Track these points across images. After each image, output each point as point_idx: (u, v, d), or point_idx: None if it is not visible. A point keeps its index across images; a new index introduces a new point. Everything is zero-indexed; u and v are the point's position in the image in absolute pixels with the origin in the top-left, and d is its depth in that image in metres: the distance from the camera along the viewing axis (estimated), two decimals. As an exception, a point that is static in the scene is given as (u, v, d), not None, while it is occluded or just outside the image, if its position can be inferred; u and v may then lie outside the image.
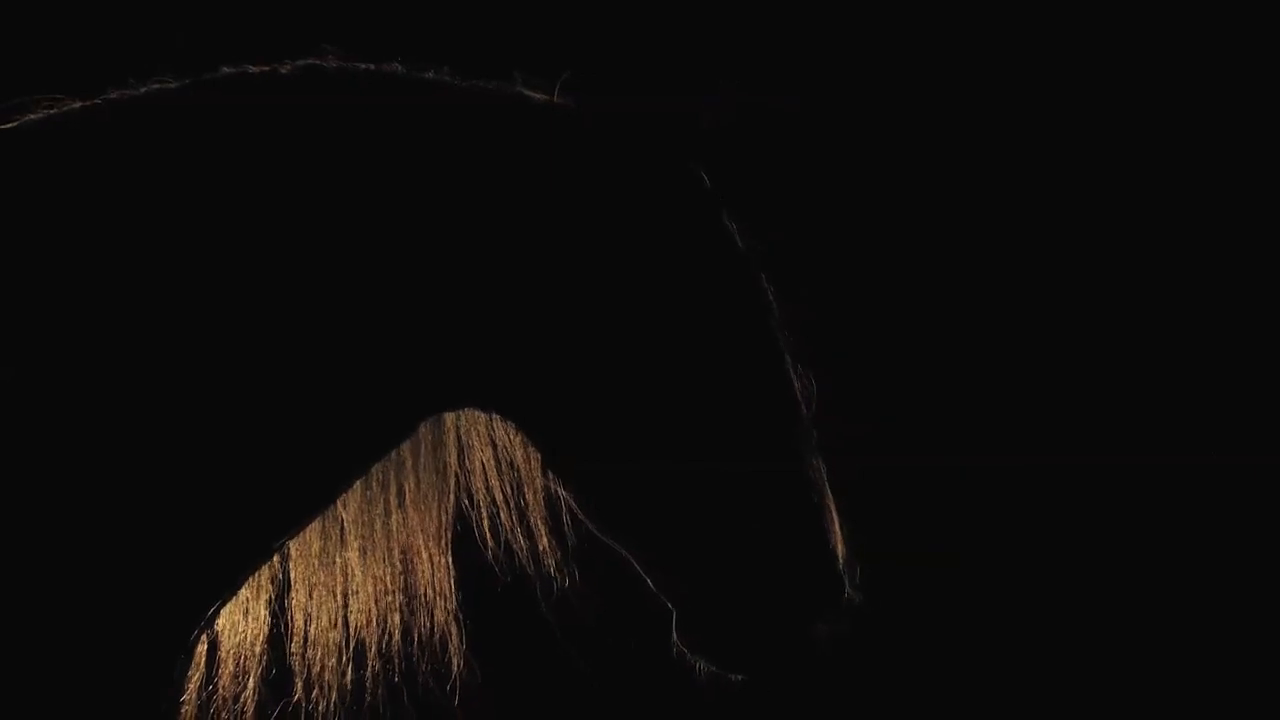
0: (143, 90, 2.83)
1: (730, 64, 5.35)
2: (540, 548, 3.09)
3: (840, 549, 2.94)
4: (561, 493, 3.03)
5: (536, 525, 3.08)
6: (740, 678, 2.96)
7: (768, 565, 2.87)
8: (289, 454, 2.77)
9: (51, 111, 2.81)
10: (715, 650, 2.93)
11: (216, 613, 2.89)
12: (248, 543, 2.84)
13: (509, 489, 3.06)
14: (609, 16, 5.30)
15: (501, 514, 3.07)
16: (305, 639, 3.05)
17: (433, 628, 3.07)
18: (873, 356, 5.73)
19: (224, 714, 3.03)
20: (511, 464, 3.05)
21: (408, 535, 3.02)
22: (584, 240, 2.81)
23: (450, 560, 3.06)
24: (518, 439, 3.01)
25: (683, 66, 3.14)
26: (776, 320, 2.96)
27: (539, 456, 3.00)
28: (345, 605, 3.04)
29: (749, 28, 5.76)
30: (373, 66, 2.83)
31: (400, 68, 2.84)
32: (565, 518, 3.08)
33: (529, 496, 3.07)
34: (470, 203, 2.79)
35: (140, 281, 2.70)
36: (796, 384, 2.96)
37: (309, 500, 2.88)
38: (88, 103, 2.83)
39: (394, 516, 3.01)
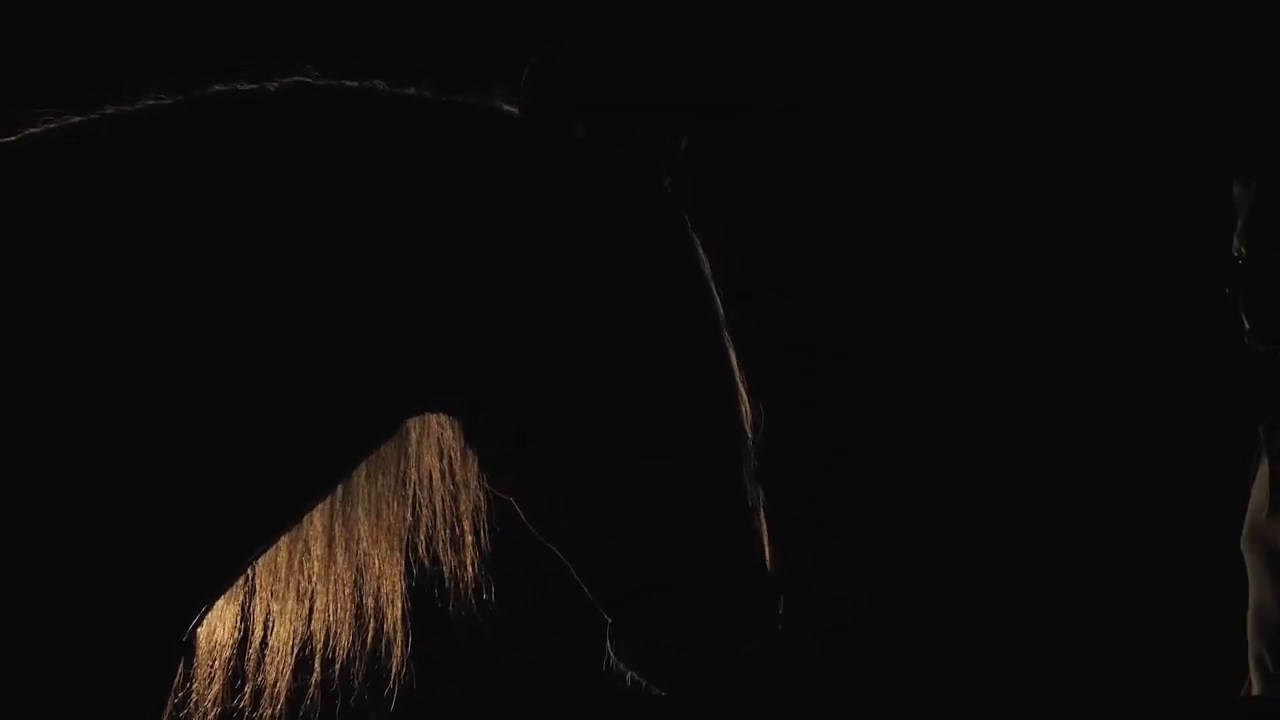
0: (137, 106, 2.92)
1: (713, 74, 5.40)
2: (466, 560, 3.14)
3: (771, 576, 3.02)
4: (483, 508, 3.10)
5: (466, 538, 3.14)
6: (662, 693, 3.03)
7: (703, 586, 2.95)
8: (281, 454, 2.85)
9: (51, 125, 2.89)
10: (644, 663, 3.01)
11: (204, 616, 2.95)
12: (236, 544, 2.90)
13: (449, 501, 3.13)
14: (594, 24, 5.33)
15: (438, 525, 3.13)
16: (267, 645, 3.11)
17: (381, 634, 3.12)
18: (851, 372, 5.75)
19: (197, 715, 3.07)
20: (453, 476, 3.11)
21: (366, 542, 3.08)
22: (548, 253, 2.92)
23: (402, 568, 3.12)
24: (459, 449, 3.09)
25: (665, 76, 3.19)
26: (734, 344, 3.06)
27: (475, 469, 3.09)
28: (308, 612, 3.10)
29: (732, 37, 5.77)
30: (356, 84, 2.93)
31: (382, 84, 2.93)
32: (485, 533, 3.14)
33: (464, 508, 3.13)
34: (444, 215, 2.90)
35: (134, 290, 2.78)
36: (746, 410, 3.04)
37: (298, 498, 2.95)
38: (86, 118, 2.91)
39: (358, 524, 3.07)
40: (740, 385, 3.04)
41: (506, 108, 2.99)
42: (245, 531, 2.89)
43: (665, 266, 2.98)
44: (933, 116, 5.98)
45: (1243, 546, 3.72)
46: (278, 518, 2.94)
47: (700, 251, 3.05)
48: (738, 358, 3.04)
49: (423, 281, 2.86)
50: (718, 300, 3.04)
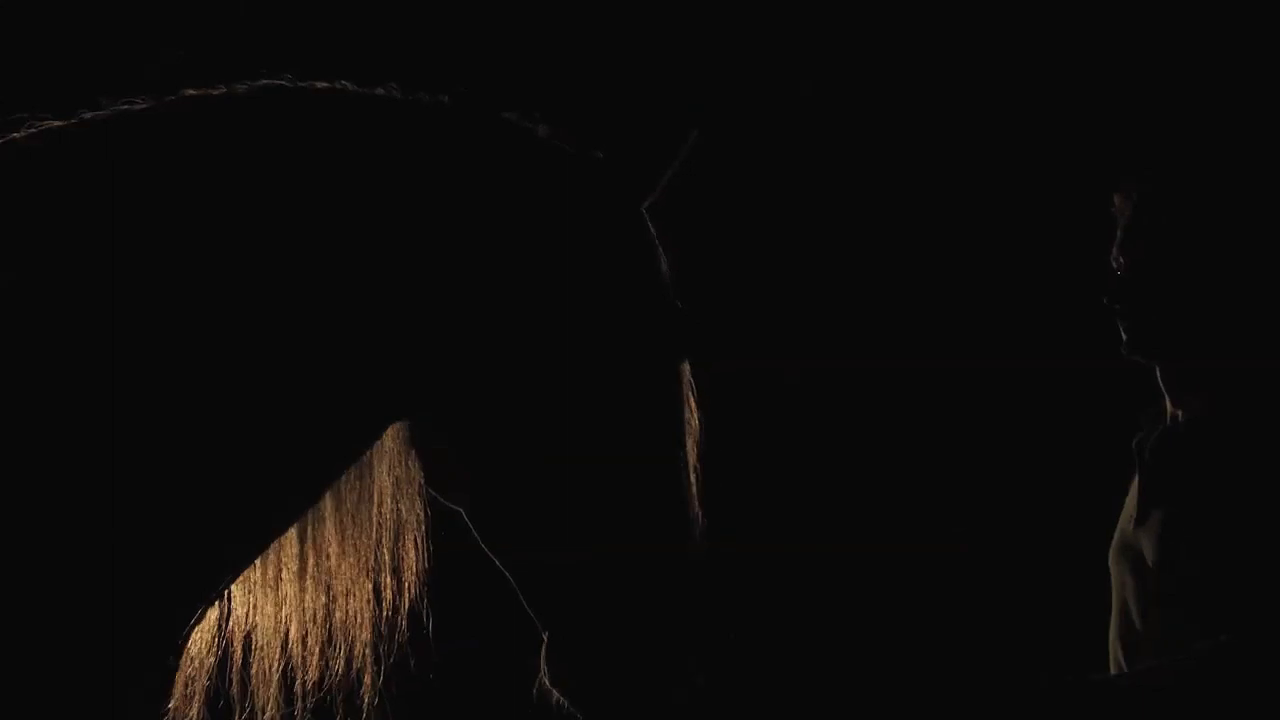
0: (111, 111, 2.94)
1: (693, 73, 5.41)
2: (407, 581, 3.15)
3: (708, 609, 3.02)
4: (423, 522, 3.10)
5: (409, 555, 3.14)
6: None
7: (646, 604, 2.96)
8: (272, 455, 2.86)
9: (33, 130, 2.92)
10: (571, 686, 2.99)
11: (201, 616, 2.95)
12: (230, 546, 2.91)
13: (405, 515, 3.13)
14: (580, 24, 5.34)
15: (383, 541, 3.13)
16: (245, 668, 3.11)
17: (351, 661, 3.12)
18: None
19: None
20: (395, 494, 3.12)
21: (335, 562, 3.08)
22: (518, 254, 2.94)
23: (371, 590, 3.12)
24: (403, 464, 3.10)
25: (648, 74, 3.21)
26: (689, 365, 3.08)
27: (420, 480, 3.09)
28: (284, 634, 3.10)
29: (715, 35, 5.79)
30: (325, 85, 2.95)
31: (349, 85, 2.95)
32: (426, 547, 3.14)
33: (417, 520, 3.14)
34: (416, 214, 2.91)
35: (109, 296, 2.79)
36: (694, 430, 3.07)
37: (292, 500, 2.97)
38: (65, 123, 2.93)
39: (329, 544, 3.08)
40: (690, 406, 3.06)
41: (476, 106, 3.01)
42: (238, 534, 2.89)
43: (628, 273, 3.01)
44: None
45: (1110, 557, 3.73)
46: (269, 520, 2.95)
47: (663, 261, 3.06)
48: (691, 376, 3.07)
49: (405, 282, 2.87)
50: (677, 315, 3.05)
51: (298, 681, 3.08)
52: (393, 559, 3.11)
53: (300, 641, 3.08)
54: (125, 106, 2.94)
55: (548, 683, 2.99)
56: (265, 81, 2.93)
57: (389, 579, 3.11)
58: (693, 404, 3.07)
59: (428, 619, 3.16)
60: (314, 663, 3.09)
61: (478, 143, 2.97)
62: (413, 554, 3.13)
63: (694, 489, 3.03)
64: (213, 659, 3.07)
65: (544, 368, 2.92)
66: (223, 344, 2.80)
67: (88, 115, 2.94)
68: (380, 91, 2.96)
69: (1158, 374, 3.72)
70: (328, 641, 3.09)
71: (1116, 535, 3.73)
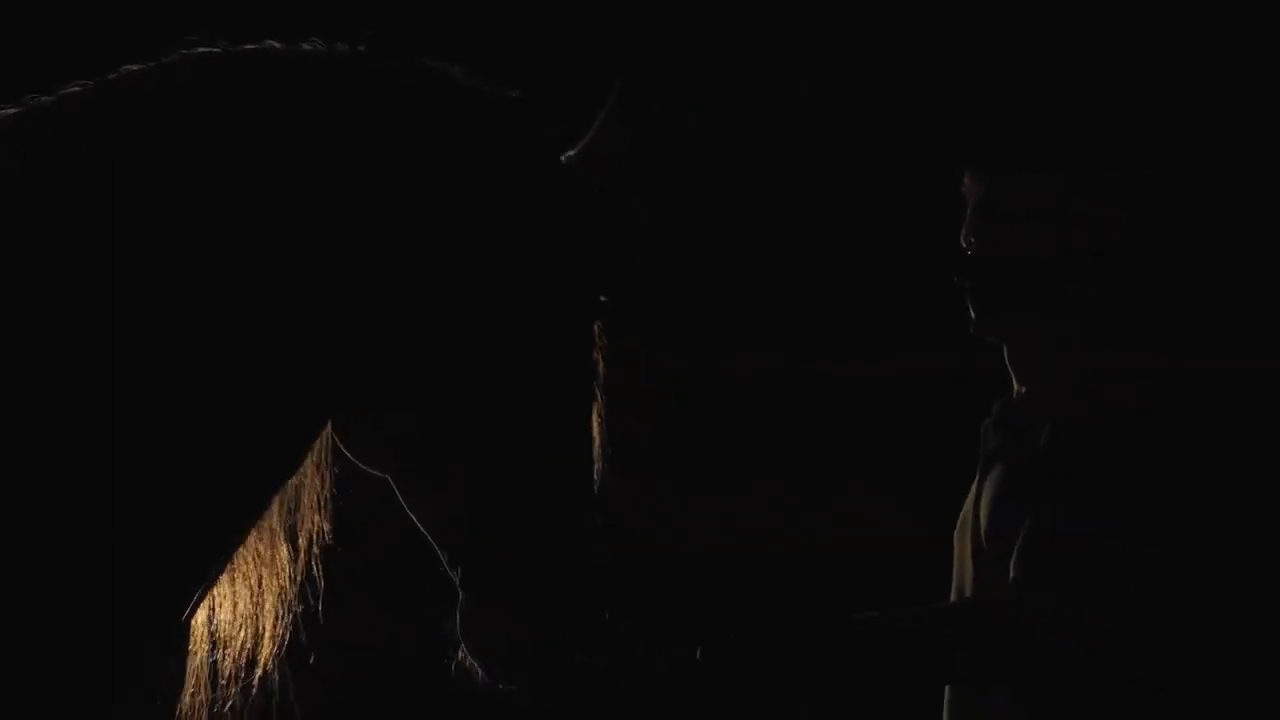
0: (56, 95, 2.95)
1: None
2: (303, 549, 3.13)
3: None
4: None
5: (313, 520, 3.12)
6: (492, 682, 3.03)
7: (567, 566, 2.97)
8: (251, 449, 2.83)
9: None
10: (480, 648, 3.00)
11: (197, 605, 2.94)
12: (217, 535, 2.88)
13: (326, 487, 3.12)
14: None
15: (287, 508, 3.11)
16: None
17: (264, 635, 3.11)
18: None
19: None
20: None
21: (265, 541, 3.07)
22: (454, 229, 2.93)
23: (287, 567, 3.10)
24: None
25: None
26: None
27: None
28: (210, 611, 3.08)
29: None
30: (252, 46, 2.96)
31: (275, 44, 2.96)
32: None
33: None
34: (332, 175, 2.89)
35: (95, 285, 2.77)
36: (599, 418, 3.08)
37: (271, 485, 2.94)
38: (17, 110, 2.94)
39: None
40: (598, 355, 3.07)
41: (388, 52, 3.00)
42: (227, 524, 2.87)
43: (548, 219, 2.98)
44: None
45: (955, 534, 3.78)
46: (252, 505, 2.92)
47: (593, 235, 3.06)
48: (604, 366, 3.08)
49: (335, 241, 2.85)
50: (595, 263, 3.04)
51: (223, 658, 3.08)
52: (293, 525, 3.09)
53: (231, 617, 3.07)
54: (74, 89, 2.94)
55: (462, 646, 2.99)
56: (200, 50, 2.93)
57: (292, 546, 3.10)
58: (600, 353, 3.07)
59: (320, 589, 3.13)
60: (239, 640, 3.08)
61: (393, 91, 2.94)
62: (315, 519, 3.10)
63: (600, 446, 3.06)
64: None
65: (470, 319, 2.90)
66: (181, 328, 2.77)
67: (34, 99, 2.94)
68: (306, 47, 2.95)
69: (1005, 353, 3.78)
70: (253, 617, 3.08)
71: (961, 514, 3.79)
